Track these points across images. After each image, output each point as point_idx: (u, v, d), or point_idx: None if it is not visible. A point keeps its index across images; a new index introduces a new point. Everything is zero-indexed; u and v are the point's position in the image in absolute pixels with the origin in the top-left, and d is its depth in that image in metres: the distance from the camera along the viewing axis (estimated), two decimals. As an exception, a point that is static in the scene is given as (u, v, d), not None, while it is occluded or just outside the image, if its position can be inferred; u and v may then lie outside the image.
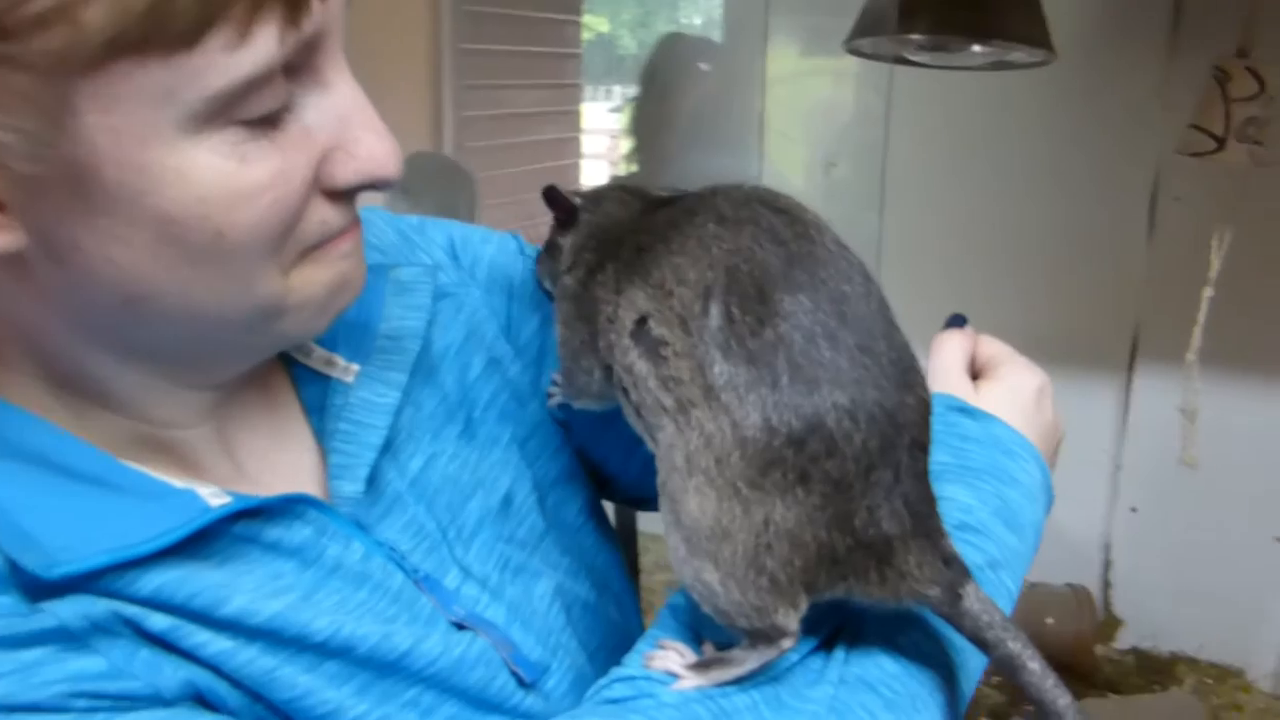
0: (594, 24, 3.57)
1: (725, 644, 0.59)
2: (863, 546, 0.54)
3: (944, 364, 0.73)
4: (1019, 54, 1.63)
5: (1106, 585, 2.17)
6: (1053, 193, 2.04)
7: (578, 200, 0.70)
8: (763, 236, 0.56)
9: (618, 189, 0.70)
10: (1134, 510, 2.12)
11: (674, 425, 0.56)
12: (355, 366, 0.67)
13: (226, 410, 0.62)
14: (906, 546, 0.55)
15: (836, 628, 0.60)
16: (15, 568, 0.50)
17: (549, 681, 0.68)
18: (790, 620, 0.56)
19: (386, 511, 0.65)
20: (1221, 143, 1.49)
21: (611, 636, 0.77)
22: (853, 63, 2.06)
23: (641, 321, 0.58)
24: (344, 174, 0.53)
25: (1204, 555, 2.05)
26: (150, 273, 0.50)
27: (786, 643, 0.56)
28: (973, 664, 0.61)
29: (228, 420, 0.62)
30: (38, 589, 0.50)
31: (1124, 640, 2.15)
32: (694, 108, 2.46)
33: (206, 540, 0.55)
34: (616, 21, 3.89)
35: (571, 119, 3.36)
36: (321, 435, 0.66)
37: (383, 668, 0.59)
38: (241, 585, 0.55)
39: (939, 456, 0.63)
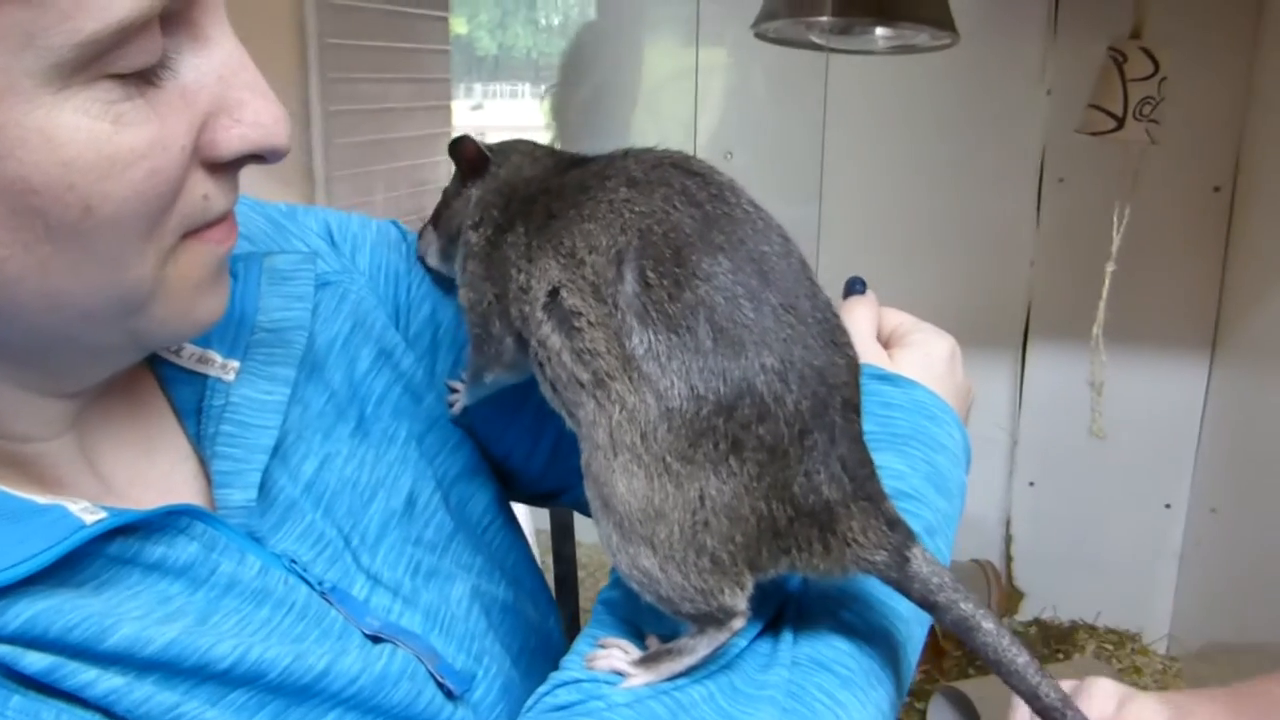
0: (452, 25, 3.53)
1: (669, 635, 0.56)
2: (804, 515, 0.51)
3: (855, 332, 0.70)
4: (922, 37, 1.64)
5: (1008, 559, 2.23)
6: (942, 176, 2.08)
7: (488, 151, 0.66)
8: (676, 198, 0.53)
9: (525, 144, 0.67)
10: (1032, 484, 2.18)
11: (593, 401, 0.53)
12: (235, 363, 0.60)
13: (86, 419, 0.55)
14: (849, 511, 0.52)
15: (779, 609, 0.58)
16: None
17: (476, 691, 0.64)
18: (738, 599, 0.53)
19: (281, 520, 0.59)
20: (1121, 122, 1.54)
21: (532, 638, 0.72)
22: (735, 53, 2.06)
23: (554, 293, 0.54)
24: (228, 141, 0.47)
25: (1099, 525, 2.12)
26: (4, 254, 0.43)
27: (737, 623, 0.54)
28: (917, 634, 0.60)
29: (88, 430, 0.55)
30: None
31: (1027, 612, 2.21)
32: (587, 100, 2.42)
33: (78, 564, 0.48)
34: (474, 23, 3.86)
35: (442, 115, 3.29)
36: (199, 441, 0.59)
37: (297, 692, 0.53)
38: (126, 612, 0.48)
39: (865, 426, 0.61)
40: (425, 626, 0.63)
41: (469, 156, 0.66)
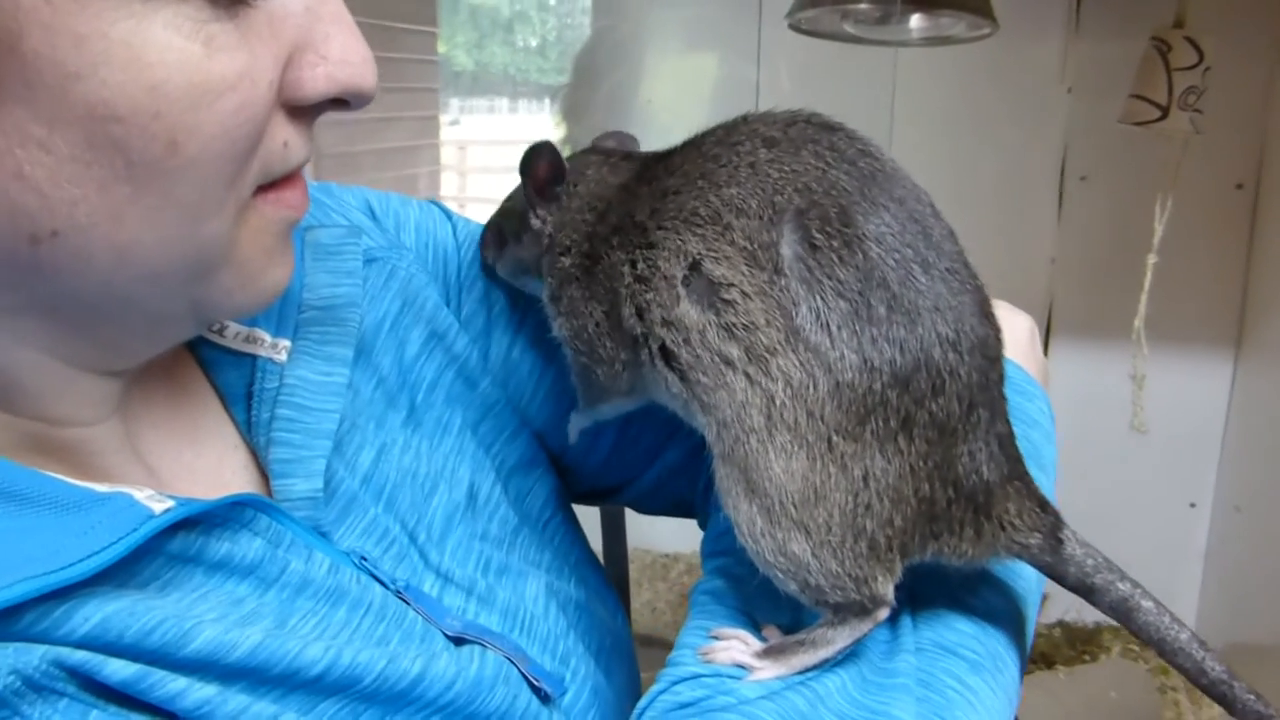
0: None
1: (789, 624, 0.53)
2: (964, 498, 0.49)
3: None
4: (961, 26, 1.62)
5: (1031, 561, 2.21)
6: (962, 175, 2.07)
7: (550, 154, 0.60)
8: (827, 154, 0.49)
9: (594, 153, 0.62)
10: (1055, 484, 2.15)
11: (745, 380, 0.49)
12: (285, 342, 0.55)
13: (128, 405, 0.49)
14: (1005, 493, 0.50)
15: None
16: None
17: (567, 695, 0.59)
18: (888, 587, 0.50)
19: (343, 514, 0.54)
20: (1165, 111, 1.52)
21: (608, 638, 0.68)
22: (734, 46, 2.04)
23: (695, 265, 0.49)
24: (314, 80, 0.42)
25: (1123, 524, 2.10)
26: (75, 195, 0.38)
27: (882, 612, 0.51)
28: (1032, 614, 0.58)
29: (131, 417, 0.50)
30: None
31: (1050, 614, 2.18)
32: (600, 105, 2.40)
33: (138, 562, 0.43)
34: (452, 43, 3.91)
35: (430, 125, 3.26)
36: (250, 428, 0.54)
37: (392, 699, 0.49)
38: (201, 614, 0.44)
39: None
40: (505, 626, 0.58)
41: (542, 177, 0.59)
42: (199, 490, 0.51)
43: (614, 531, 1.37)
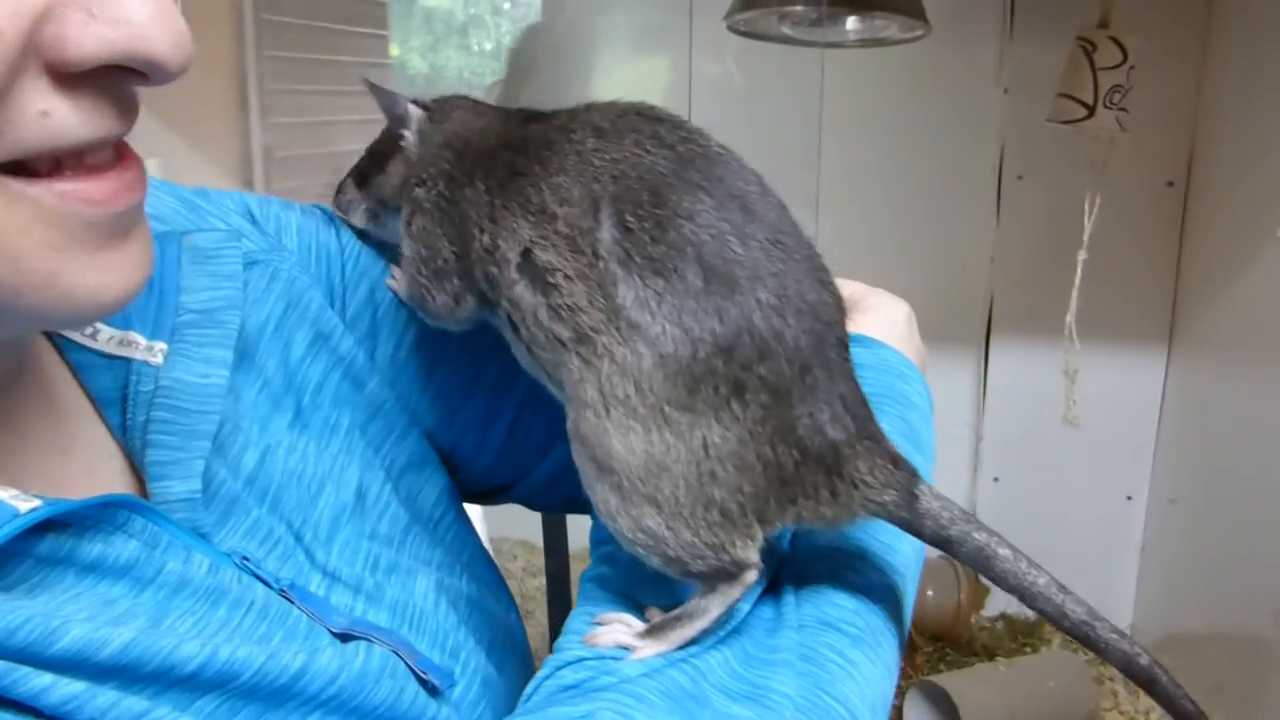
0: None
1: (671, 604, 0.54)
2: (811, 459, 0.50)
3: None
4: (893, 29, 1.65)
5: (974, 555, 2.24)
6: (901, 175, 2.10)
7: (425, 105, 0.63)
8: (647, 142, 0.52)
9: (464, 98, 0.65)
10: (996, 480, 2.19)
11: (578, 358, 0.51)
12: (162, 345, 0.54)
13: None
14: (855, 452, 0.51)
15: (774, 572, 0.57)
16: None
17: (457, 689, 0.60)
18: (749, 551, 0.51)
19: (225, 516, 0.54)
20: (1092, 110, 1.56)
21: (499, 633, 0.69)
22: (696, 53, 2.05)
23: (526, 252, 0.52)
24: (80, 41, 0.37)
25: (1063, 518, 2.14)
26: None
27: (750, 575, 0.52)
28: (911, 589, 0.59)
29: None
30: None
31: (993, 607, 2.22)
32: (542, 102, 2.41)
33: (4, 565, 0.42)
34: (406, 47, 3.90)
35: (382, 128, 3.26)
36: (125, 432, 0.53)
37: (272, 694, 0.48)
38: (71, 614, 0.42)
39: None
40: (394, 623, 0.59)
41: (394, 109, 0.63)
42: (71, 497, 0.47)
43: (555, 527, 1.38)
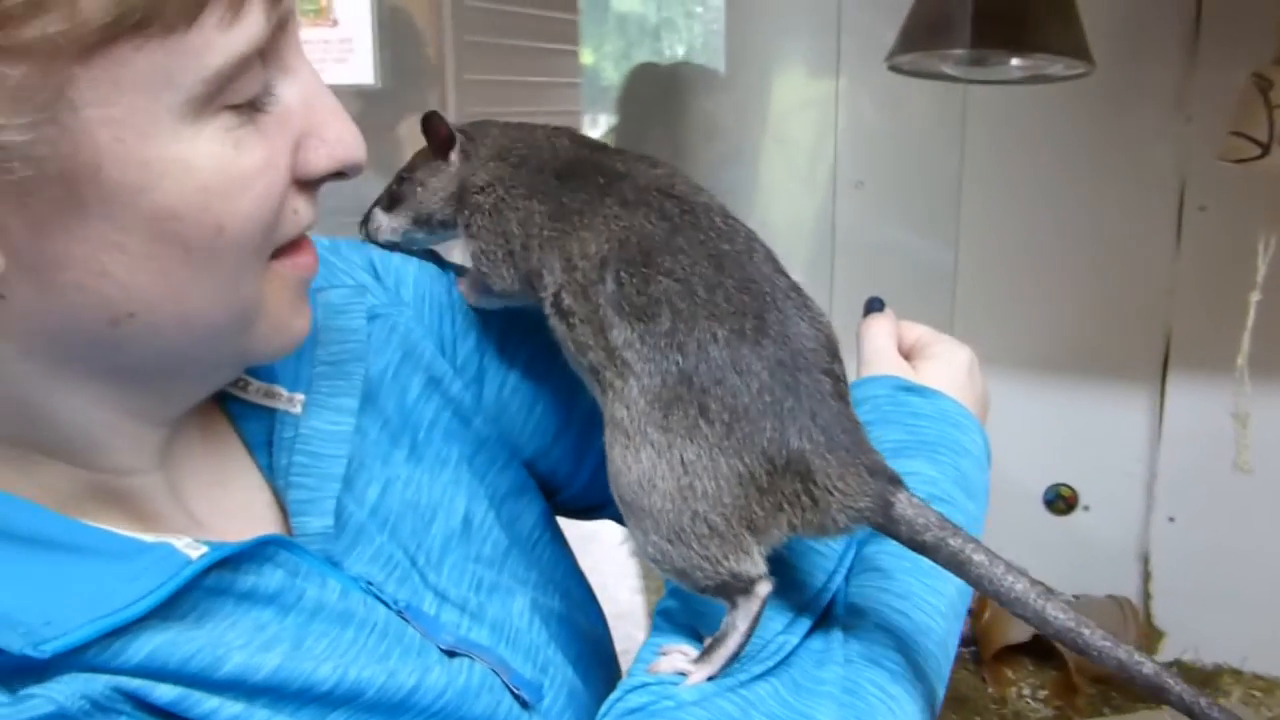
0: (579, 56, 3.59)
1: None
2: (781, 469, 0.55)
3: (877, 347, 0.75)
4: (1057, 67, 1.64)
5: (1147, 597, 2.17)
6: (1079, 206, 2.05)
7: (463, 129, 0.73)
8: (653, 215, 0.62)
9: (492, 122, 0.74)
10: (1172, 520, 2.11)
11: (596, 387, 0.61)
12: (300, 396, 0.63)
13: (171, 453, 0.58)
14: (825, 460, 0.56)
15: (826, 608, 0.61)
16: None
17: (545, 700, 0.67)
18: (749, 564, 0.57)
19: (352, 544, 0.63)
20: (1266, 149, 1.50)
21: (586, 645, 0.76)
22: (876, 82, 2.07)
23: (557, 294, 0.63)
24: (317, 160, 0.52)
25: (1244, 564, 2.05)
26: (146, 282, 0.47)
27: (762, 587, 0.57)
28: (955, 628, 0.63)
29: (172, 465, 0.58)
30: (13, 672, 0.46)
31: (1167, 652, 2.14)
32: (683, 134, 2.47)
33: (181, 598, 0.51)
34: (600, 54, 3.92)
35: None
36: (272, 472, 0.63)
37: (391, 709, 0.57)
38: (230, 641, 0.52)
39: (895, 435, 0.67)
40: (493, 640, 0.67)
41: (444, 134, 0.72)
42: (232, 528, 0.58)
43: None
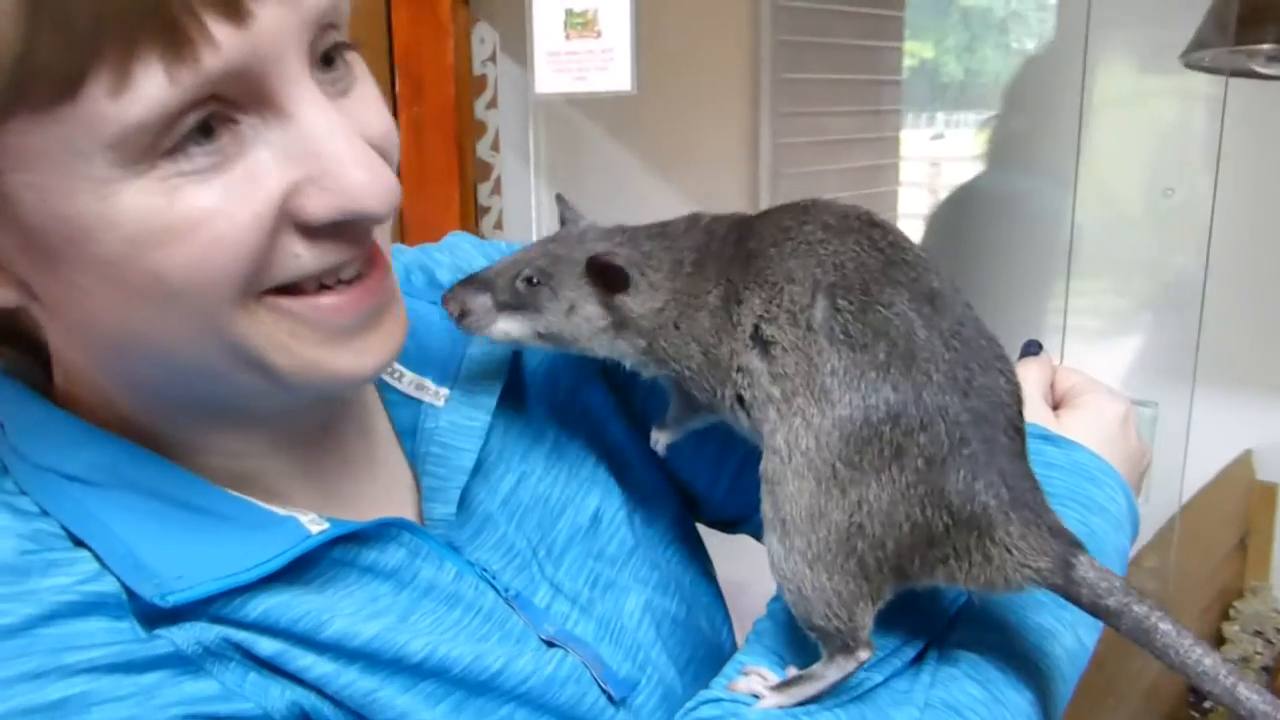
0: (917, 50, 3.47)
1: (808, 665, 0.59)
2: (961, 522, 0.54)
3: (1025, 393, 0.70)
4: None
5: None
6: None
7: (620, 256, 0.64)
8: (864, 242, 0.59)
9: (630, 238, 0.67)
10: None
11: (777, 414, 0.58)
12: (445, 391, 0.68)
13: (318, 439, 0.64)
14: (1008, 518, 0.55)
15: (924, 649, 0.60)
16: (132, 595, 0.52)
17: (638, 698, 0.69)
18: (867, 618, 0.56)
19: (477, 531, 0.67)
20: None
21: (701, 650, 0.77)
22: (1191, 79, 1.92)
23: (756, 326, 0.60)
24: (315, 207, 0.50)
25: None
26: (118, 319, 0.51)
27: (863, 654, 0.57)
28: (1062, 692, 0.60)
29: (319, 447, 0.64)
30: (152, 615, 0.52)
31: None
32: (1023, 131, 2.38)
33: (307, 565, 0.57)
34: (941, 48, 3.78)
35: (890, 145, 3.30)
36: (414, 458, 0.68)
37: (476, 687, 0.61)
38: (341, 608, 0.57)
39: None
40: (597, 635, 0.69)
41: (613, 278, 0.64)
42: (373, 508, 0.64)
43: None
